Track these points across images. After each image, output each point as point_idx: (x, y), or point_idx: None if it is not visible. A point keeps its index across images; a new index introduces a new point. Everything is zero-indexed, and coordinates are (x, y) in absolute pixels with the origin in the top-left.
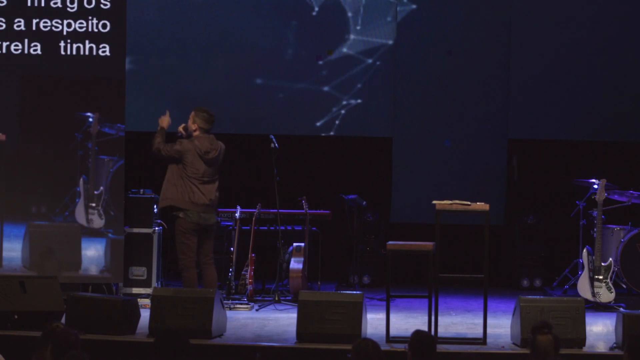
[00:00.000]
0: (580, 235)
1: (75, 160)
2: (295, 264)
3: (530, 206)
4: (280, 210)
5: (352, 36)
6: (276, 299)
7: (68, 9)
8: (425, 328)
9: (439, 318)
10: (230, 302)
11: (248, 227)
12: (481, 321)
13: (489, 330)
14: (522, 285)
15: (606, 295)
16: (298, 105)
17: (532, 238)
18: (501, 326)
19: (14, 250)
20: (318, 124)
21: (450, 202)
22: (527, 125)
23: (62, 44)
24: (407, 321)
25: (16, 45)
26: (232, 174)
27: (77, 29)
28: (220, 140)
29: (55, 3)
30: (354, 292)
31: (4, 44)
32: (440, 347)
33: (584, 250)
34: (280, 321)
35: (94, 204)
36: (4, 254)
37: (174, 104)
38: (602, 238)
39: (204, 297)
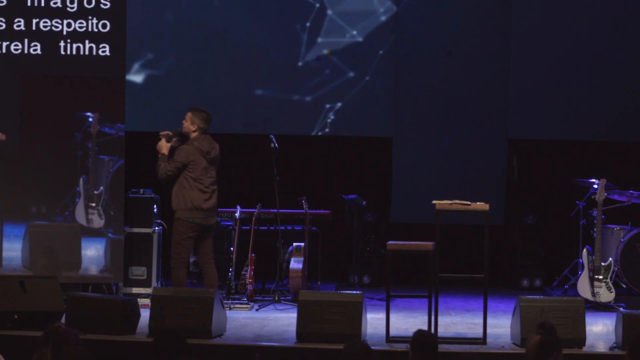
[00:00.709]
0: (580, 235)
1: (75, 160)
2: (295, 263)
3: (530, 206)
4: (280, 210)
5: (351, 36)
6: (276, 298)
7: (68, 9)
8: (425, 328)
9: (439, 318)
10: (230, 302)
11: (248, 227)
12: (481, 321)
13: (489, 330)
14: (522, 285)
15: (606, 295)
16: (298, 104)
17: (532, 238)
18: (501, 326)
19: (14, 250)
20: (318, 124)
21: (450, 202)
22: (527, 125)
23: (62, 43)
24: (407, 321)
25: (16, 45)
26: (232, 174)
27: (77, 28)
28: (219, 140)
29: (55, 3)
30: (354, 292)
31: (4, 44)
32: (440, 347)
33: (584, 250)
34: (280, 321)
35: (94, 204)
36: (4, 254)
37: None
38: (602, 238)
39: (204, 297)
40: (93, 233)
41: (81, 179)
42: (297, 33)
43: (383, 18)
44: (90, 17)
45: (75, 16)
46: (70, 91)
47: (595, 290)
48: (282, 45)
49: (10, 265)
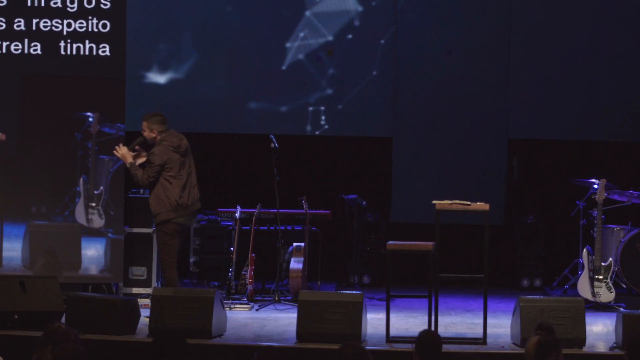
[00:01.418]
0: (580, 235)
1: (75, 160)
2: (295, 263)
3: (530, 206)
4: (280, 210)
5: (351, 35)
6: (276, 298)
7: (68, 9)
8: (425, 328)
9: (439, 318)
10: (230, 302)
11: (248, 227)
12: (481, 321)
13: (489, 330)
14: (522, 285)
15: (606, 295)
16: (298, 105)
17: (532, 238)
18: (501, 326)
19: (14, 250)
20: (318, 124)
21: (450, 202)
22: (527, 125)
23: (62, 43)
24: (407, 321)
25: (16, 45)
26: (232, 174)
27: (77, 28)
28: (220, 140)
29: (55, 3)
30: (354, 292)
31: (4, 44)
32: None
33: (584, 250)
34: (280, 321)
35: (94, 204)
36: (4, 254)
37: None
38: (602, 238)
39: (204, 297)
40: (93, 233)
41: (81, 179)
42: (297, 33)
43: (383, 18)
44: (90, 17)
45: (75, 16)
46: (70, 91)
47: (595, 290)
48: (282, 45)
49: (10, 265)
